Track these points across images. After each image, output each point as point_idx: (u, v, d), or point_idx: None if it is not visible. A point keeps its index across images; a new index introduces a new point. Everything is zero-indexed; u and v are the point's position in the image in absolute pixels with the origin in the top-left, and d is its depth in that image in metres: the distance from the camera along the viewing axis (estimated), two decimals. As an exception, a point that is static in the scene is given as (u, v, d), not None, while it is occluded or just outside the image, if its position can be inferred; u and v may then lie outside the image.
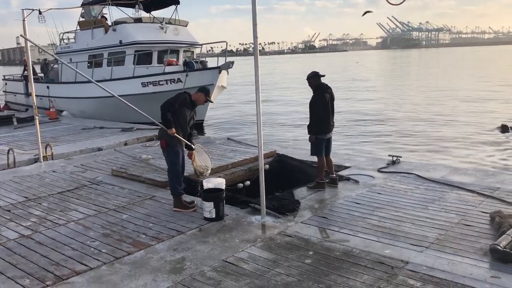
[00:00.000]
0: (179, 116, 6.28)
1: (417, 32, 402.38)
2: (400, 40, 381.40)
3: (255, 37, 5.57)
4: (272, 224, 5.76)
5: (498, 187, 6.91)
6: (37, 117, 10.33)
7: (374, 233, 5.35)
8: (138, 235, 5.55)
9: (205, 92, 6.49)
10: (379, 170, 8.10)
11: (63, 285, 4.36)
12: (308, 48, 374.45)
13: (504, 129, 15.79)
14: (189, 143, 6.54)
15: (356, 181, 7.48)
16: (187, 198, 6.62)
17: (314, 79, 7.23)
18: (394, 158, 8.63)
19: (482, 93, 30.14)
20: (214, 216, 5.89)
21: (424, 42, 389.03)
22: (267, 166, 8.31)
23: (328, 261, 4.66)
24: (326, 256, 4.77)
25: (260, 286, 4.18)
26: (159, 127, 6.41)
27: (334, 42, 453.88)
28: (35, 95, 10.38)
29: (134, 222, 5.99)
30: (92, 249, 5.17)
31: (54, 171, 9.00)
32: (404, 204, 6.32)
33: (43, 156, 10.05)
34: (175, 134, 6.20)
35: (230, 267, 4.61)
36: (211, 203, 5.87)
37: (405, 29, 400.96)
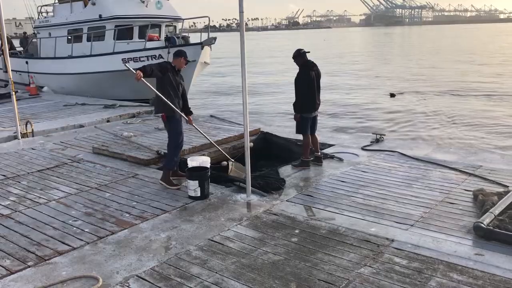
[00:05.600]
0: (167, 84, 6.24)
1: (400, 10, 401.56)
2: (384, 17, 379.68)
3: (241, 12, 5.42)
4: (258, 203, 5.72)
5: (480, 165, 6.98)
6: (13, 93, 10.01)
7: (359, 211, 5.37)
8: (121, 214, 5.47)
9: (183, 55, 6.41)
10: (363, 148, 8.11)
11: (45, 265, 4.27)
12: (292, 24, 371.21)
13: (392, 95, 22.19)
14: (183, 115, 6.60)
15: (341, 159, 7.48)
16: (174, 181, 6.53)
17: (299, 57, 7.13)
18: (378, 136, 8.64)
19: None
20: (199, 194, 5.83)
21: (407, 20, 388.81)
22: (252, 144, 8.23)
23: (314, 239, 4.66)
24: (312, 235, 4.77)
25: (246, 265, 4.15)
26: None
27: (318, 19, 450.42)
28: (14, 71, 10.06)
29: (117, 201, 5.89)
30: (74, 228, 5.07)
31: (33, 149, 8.79)
32: (388, 182, 6.35)
33: (23, 133, 9.82)
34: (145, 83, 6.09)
35: (216, 246, 4.57)
36: (196, 182, 5.80)
37: (388, 6, 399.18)
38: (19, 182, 6.78)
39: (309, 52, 7.20)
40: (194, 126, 7.05)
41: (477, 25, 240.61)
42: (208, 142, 8.51)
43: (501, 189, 5.75)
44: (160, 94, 6.24)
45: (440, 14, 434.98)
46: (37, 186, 6.59)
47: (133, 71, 5.92)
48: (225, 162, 8.12)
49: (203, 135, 7.55)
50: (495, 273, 3.91)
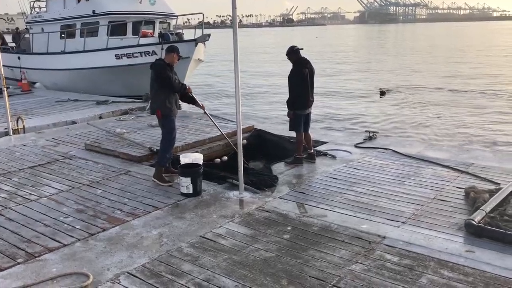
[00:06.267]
0: None
1: (394, 7, 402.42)
2: (378, 14, 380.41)
3: (233, 8, 5.39)
4: (250, 200, 5.72)
5: (472, 162, 7.01)
6: (5, 89, 9.93)
7: (351, 208, 5.37)
8: (113, 210, 5.44)
9: (175, 51, 6.39)
10: (356, 146, 8.12)
11: (35, 262, 4.24)
12: (286, 21, 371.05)
13: (381, 93, 21.64)
14: (199, 102, 6.91)
15: (334, 157, 7.48)
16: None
17: (293, 54, 7.12)
18: (371, 134, 8.66)
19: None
20: (191, 191, 5.80)
21: (401, 17, 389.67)
22: (245, 141, 8.22)
23: (306, 236, 4.66)
24: (304, 231, 4.77)
25: (238, 262, 4.15)
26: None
27: (312, 16, 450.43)
28: (6, 66, 9.97)
29: (109, 198, 5.87)
30: (65, 225, 5.04)
31: (24, 145, 8.73)
32: (380, 179, 6.36)
33: (15, 130, 9.74)
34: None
35: (208, 243, 4.56)
36: (188, 179, 5.78)
37: (382, 4, 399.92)
38: (10, 179, 6.72)
39: (302, 49, 7.19)
40: (206, 114, 7.37)
41: (470, 23, 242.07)
42: (200, 139, 8.54)
43: (492, 187, 5.77)
44: (200, 104, 6.79)
45: (433, 12, 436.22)
46: (28, 182, 6.55)
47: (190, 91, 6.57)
48: (218, 159, 8.12)
49: (214, 123, 7.77)
50: (486, 270, 3.93)
